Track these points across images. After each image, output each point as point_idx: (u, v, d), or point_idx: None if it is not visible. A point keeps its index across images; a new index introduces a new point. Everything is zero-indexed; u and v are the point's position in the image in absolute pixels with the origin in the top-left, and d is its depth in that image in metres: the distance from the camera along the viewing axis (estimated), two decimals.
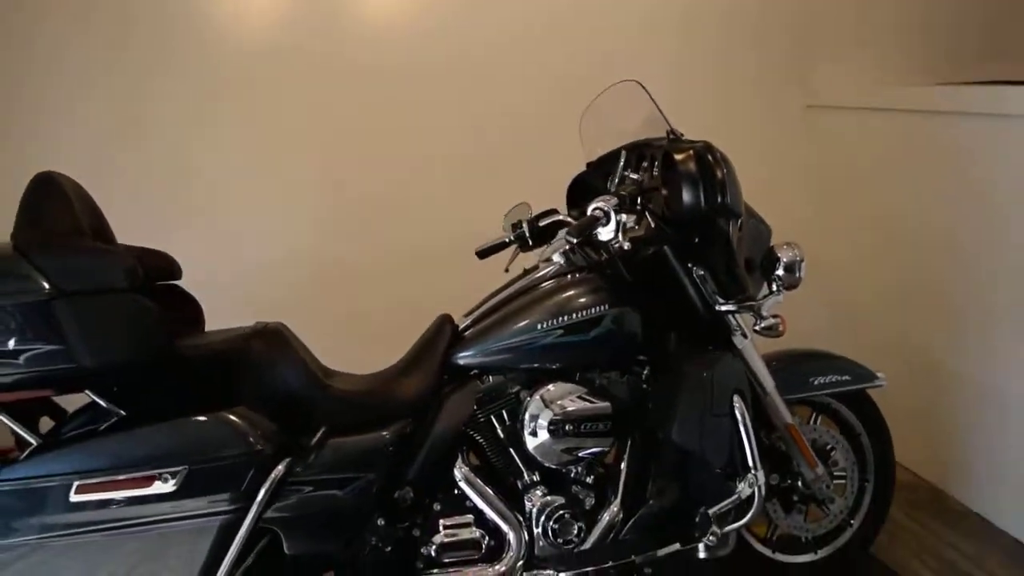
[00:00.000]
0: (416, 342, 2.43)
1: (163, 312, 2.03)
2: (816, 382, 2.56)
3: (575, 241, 2.17)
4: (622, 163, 2.28)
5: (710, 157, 2.17)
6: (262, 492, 2.02)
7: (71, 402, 2.17)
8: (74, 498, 1.94)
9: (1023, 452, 2.94)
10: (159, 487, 1.96)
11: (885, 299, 3.54)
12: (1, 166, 3.25)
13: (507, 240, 2.67)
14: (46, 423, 2.19)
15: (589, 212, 2.22)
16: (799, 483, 2.55)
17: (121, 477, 1.95)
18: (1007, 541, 2.97)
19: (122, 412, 2.06)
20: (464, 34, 3.66)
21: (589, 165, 2.72)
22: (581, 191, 2.76)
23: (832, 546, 2.67)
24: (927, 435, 3.33)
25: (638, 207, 2.25)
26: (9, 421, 2.03)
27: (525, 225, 2.63)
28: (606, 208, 2.21)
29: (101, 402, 2.06)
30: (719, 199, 2.14)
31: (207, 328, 2.35)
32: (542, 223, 2.65)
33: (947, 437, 3.26)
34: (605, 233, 2.23)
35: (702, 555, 2.34)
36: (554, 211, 2.69)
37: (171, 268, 2.30)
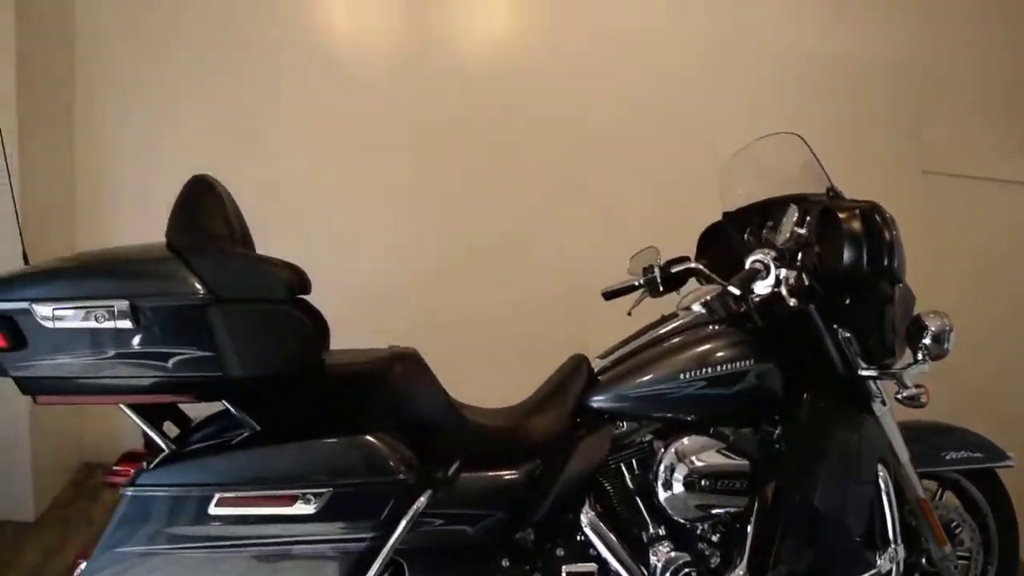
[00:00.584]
0: (548, 380, 2.38)
1: (313, 326, 2.00)
2: (948, 456, 2.48)
3: (738, 293, 2.13)
4: (788, 216, 2.23)
5: (878, 217, 2.12)
6: (403, 523, 1.97)
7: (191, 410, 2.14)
8: (213, 511, 1.90)
9: None
10: (301, 507, 1.92)
11: (1007, 377, 3.44)
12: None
13: (636, 284, 2.62)
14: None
15: (748, 264, 2.18)
16: (924, 560, 2.46)
17: (264, 493, 1.91)
18: None
19: (256, 426, 2.02)
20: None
21: (726, 215, 2.68)
22: (713, 240, 2.72)
23: None
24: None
25: (797, 263, 2.20)
26: (144, 424, 2.01)
27: (657, 270, 2.59)
28: (766, 261, 2.16)
29: (237, 413, 2.02)
30: (886, 261, 2.09)
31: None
32: (674, 269, 2.60)
33: None
34: (762, 287, 2.18)
35: None
36: (686, 258, 2.64)
37: (304, 281, 2.27)
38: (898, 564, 2.19)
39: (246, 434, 2.02)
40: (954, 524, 2.54)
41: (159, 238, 2.04)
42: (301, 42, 3.68)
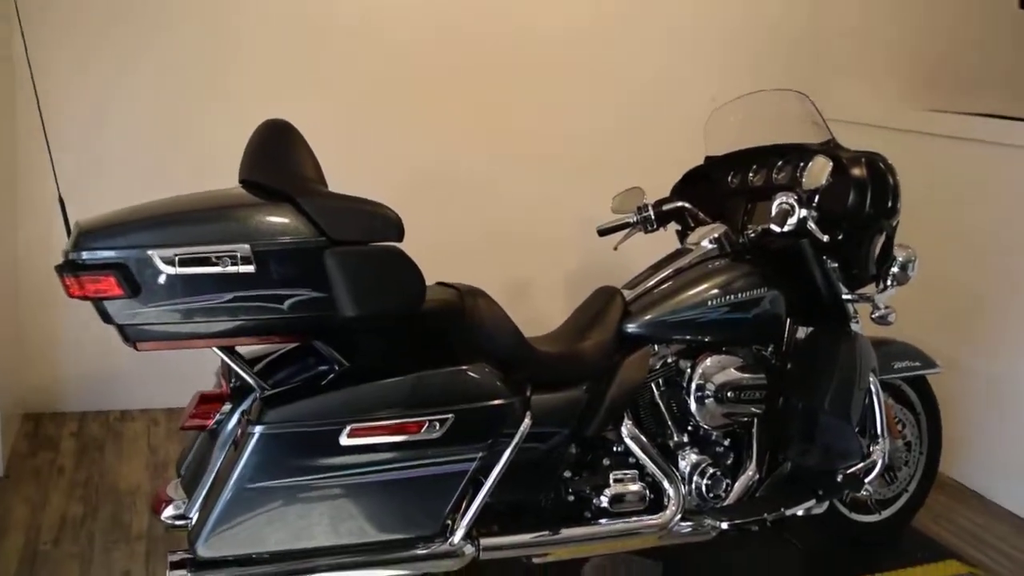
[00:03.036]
0: (582, 309, 2.63)
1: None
2: (896, 366, 2.95)
3: (779, 231, 2.44)
4: (818, 166, 2.51)
5: (882, 165, 2.50)
6: (515, 441, 2.17)
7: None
8: (345, 441, 2.02)
9: (1017, 431, 3.47)
10: (427, 432, 2.08)
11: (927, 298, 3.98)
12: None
13: (631, 221, 2.92)
14: None
15: (777, 205, 2.49)
16: None
17: (395, 422, 2.05)
18: (1004, 513, 3.48)
19: (345, 362, 2.14)
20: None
21: (708, 159, 2.99)
22: (691, 182, 3.03)
23: (892, 508, 3.08)
24: None
25: (814, 203, 2.54)
26: (238, 367, 2.08)
27: (651, 209, 2.88)
28: (792, 202, 2.48)
29: (326, 352, 2.13)
30: (890, 203, 2.48)
31: None
32: (665, 207, 2.91)
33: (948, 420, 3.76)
34: (788, 224, 2.51)
35: (800, 512, 2.67)
36: (674, 198, 2.95)
37: None
38: (885, 454, 2.63)
39: (338, 369, 2.13)
40: (898, 422, 3.03)
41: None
42: None
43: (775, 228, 2.45)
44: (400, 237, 2.06)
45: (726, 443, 2.66)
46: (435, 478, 2.12)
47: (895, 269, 2.70)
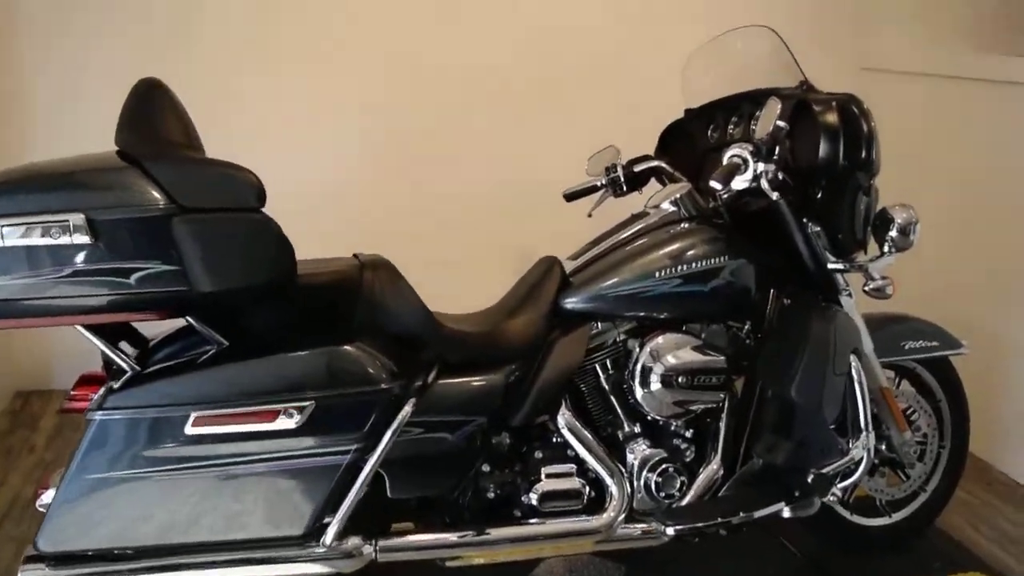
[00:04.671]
0: (519, 283, 2.34)
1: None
2: (907, 346, 2.54)
3: (720, 188, 2.10)
4: (768, 109, 2.18)
5: (855, 109, 2.11)
6: (388, 433, 1.92)
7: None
8: (190, 430, 1.83)
9: None
10: (283, 422, 1.86)
11: (953, 268, 3.54)
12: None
13: (599, 184, 2.59)
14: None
15: (727, 159, 2.14)
16: (884, 447, 2.54)
17: (244, 410, 1.84)
18: None
19: (224, 341, 1.93)
20: None
21: (688, 112, 2.64)
22: (674, 138, 2.69)
23: (906, 510, 2.67)
24: (974, 405, 3.36)
25: (775, 157, 2.18)
26: (103, 345, 1.91)
27: (620, 169, 2.55)
28: (744, 156, 2.13)
29: (203, 329, 1.92)
30: (864, 153, 2.09)
31: None
32: (637, 168, 2.57)
33: (995, 409, 3.28)
34: (740, 182, 2.16)
35: (786, 515, 2.31)
36: (648, 157, 2.62)
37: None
38: (869, 451, 2.24)
39: (215, 350, 1.93)
40: (911, 411, 2.62)
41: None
42: None
43: (716, 186, 2.10)
44: (261, 203, 1.84)
45: (687, 435, 2.33)
46: (300, 472, 1.89)
47: (893, 233, 2.28)
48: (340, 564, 2.00)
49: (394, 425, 1.92)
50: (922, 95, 3.64)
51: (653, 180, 2.61)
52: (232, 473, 1.86)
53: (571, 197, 2.65)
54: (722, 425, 2.33)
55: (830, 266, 2.29)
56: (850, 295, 2.36)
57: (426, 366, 2.07)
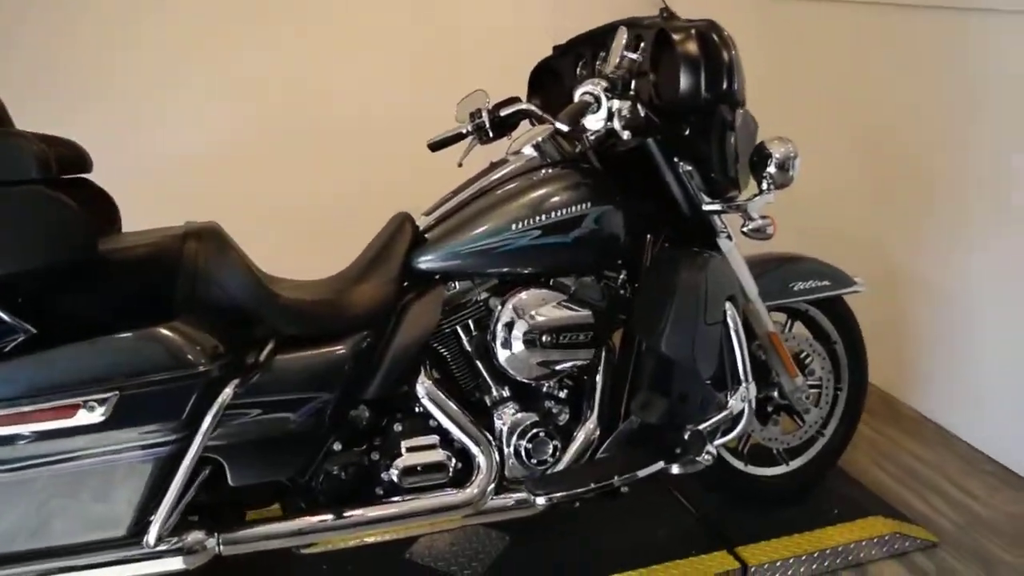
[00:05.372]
0: (370, 244, 2.15)
1: (81, 208, 1.70)
2: (796, 287, 2.41)
3: (567, 129, 1.92)
4: (616, 40, 2.00)
5: (715, 37, 1.93)
6: (207, 419, 1.74)
7: None
8: None
9: (981, 356, 2.89)
10: (85, 417, 1.67)
11: (843, 199, 3.41)
12: None
13: (464, 131, 2.39)
14: None
15: (577, 97, 1.97)
16: (776, 394, 2.42)
17: (38, 407, 1.64)
18: (963, 448, 2.93)
19: (31, 329, 1.73)
20: None
21: (556, 49, 2.45)
22: (545, 79, 2.50)
23: (804, 457, 2.56)
24: (880, 340, 3.25)
25: (631, 92, 2.00)
26: None
27: (485, 114, 2.35)
28: (596, 93, 1.96)
29: (5, 317, 1.72)
30: (726, 85, 1.92)
31: (124, 229, 2.02)
32: (503, 112, 2.37)
33: (900, 342, 3.19)
34: (594, 121, 1.99)
35: (676, 471, 2.18)
36: (516, 99, 2.41)
37: (80, 159, 1.94)
38: (750, 402, 2.11)
39: (19, 339, 1.73)
40: (804, 355, 2.50)
41: None
42: None
43: (562, 127, 1.92)
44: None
45: (562, 395, 2.19)
46: (114, 469, 1.71)
47: (771, 169, 2.11)
48: (179, 561, 1.84)
49: (213, 410, 1.74)
50: (830, 20, 3.47)
51: (528, 125, 2.43)
52: (35, 476, 1.67)
53: (435, 147, 2.44)
54: (599, 383, 2.19)
55: (705, 207, 2.13)
56: (729, 237, 2.21)
57: (259, 342, 1.89)
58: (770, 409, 2.46)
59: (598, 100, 1.95)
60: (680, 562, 2.30)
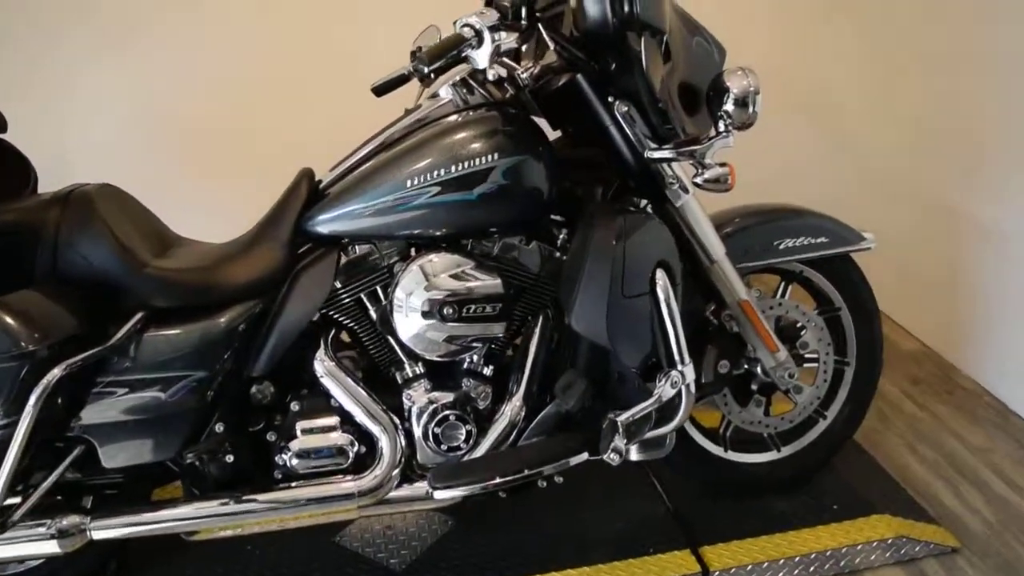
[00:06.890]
0: (274, 205, 1.95)
1: None
2: (782, 246, 2.04)
3: (425, 71, 1.65)
4: None
5: None
6: (31, 403, 1.60)
7: None
8: None
9: None
10: None
11: (888, 137, 2.95)
12: None
13: (406, 72, 2.13)
14: None
15: (456, 30, 1.68)
16: (757, 370, 2.08)
17: None
18: (1021, 429, 2.49)
19: None
20: None
21: None
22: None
23: (798, 443, 2.21)
24: (941, 297, 2.80)
25: (522, 21, 1.70)
26: None
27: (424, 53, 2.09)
28: (478, 25, 1.66)
29: None
30: (626, 7, 1.59)
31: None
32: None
33: (965, 302, 2.73)
34: (479, 59, 1.69)
35: (634, 457, 1.90)
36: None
37: None
38: (686, 387, 1.79)
39: None
40: (798, 324, 2.14)
41: None
42: None
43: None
44: None
45: (486, 372, 1.93)
46: None
47: (728, 107, 1.74)
48: (54, 544, 1.75)
49: (36, 394, 1.60)
50: None
51: None
52: None
53: (379, 91, 2.18)
54: (529, 360, 1.92)
55: (648, 154, 1.80)
56: (685, 189, 1.88)
57: (128, 315, 1.74)
58: (754, 388, 2.12)
59: (479, 33, 1.66)
60: (633, 561, 2.03)
